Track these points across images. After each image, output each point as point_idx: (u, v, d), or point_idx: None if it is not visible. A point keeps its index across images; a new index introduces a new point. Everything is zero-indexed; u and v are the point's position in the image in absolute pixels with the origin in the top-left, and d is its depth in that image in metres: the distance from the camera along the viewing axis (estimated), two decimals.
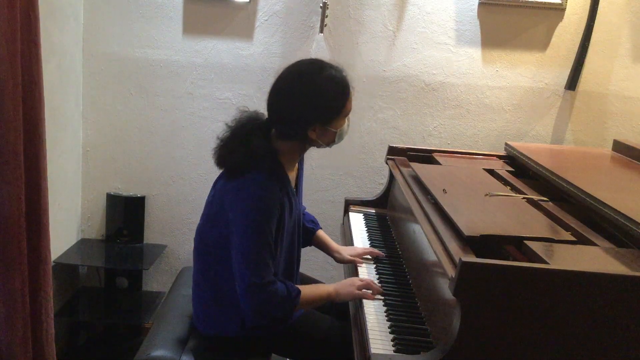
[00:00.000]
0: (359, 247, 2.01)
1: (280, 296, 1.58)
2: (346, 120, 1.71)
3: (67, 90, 2.63)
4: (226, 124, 1.70)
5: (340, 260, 1.97)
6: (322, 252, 2.06)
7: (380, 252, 1.97)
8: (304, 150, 1.76)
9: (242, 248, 1.58)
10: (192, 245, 1.80)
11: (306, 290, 1.66)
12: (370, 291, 1.67)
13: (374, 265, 1.90)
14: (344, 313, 1.84)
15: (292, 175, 1.76)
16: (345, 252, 1.97)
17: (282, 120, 1.66)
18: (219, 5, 2.71)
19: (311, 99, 1.61)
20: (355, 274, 1.86)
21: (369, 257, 1.96)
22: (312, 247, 2.08)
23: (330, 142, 1.70)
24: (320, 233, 2.04)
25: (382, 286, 1.73)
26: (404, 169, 2.19)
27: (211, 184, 1.79)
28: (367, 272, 1.86)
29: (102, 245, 2.84)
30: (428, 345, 1.40)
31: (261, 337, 1.73)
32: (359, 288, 1.68)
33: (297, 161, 1.79)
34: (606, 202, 1.54)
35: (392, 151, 2.40)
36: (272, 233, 1.60)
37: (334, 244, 2.02)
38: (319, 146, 1.72)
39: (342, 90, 1.65)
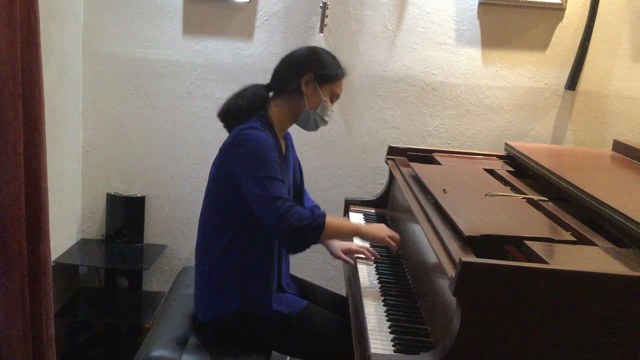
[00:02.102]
0: (354, 244, 2.00)
1: (302, 211, 1.63)
2: (332, 103, 1.83)
3: (67, 90, 2.63)
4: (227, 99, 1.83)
5: (333, 252, 1.97)
6: (321, 255, 2.07)
7: (376, 254, 1.95)
8: (293, 111, 1.80)
9: (252, 178, 1.63)
10: (192, 245, 1.82)
11: (333, 218, 1.72)
12: (395, 244, 1.82)
13: (374, 265, 1.90)
14: (344, 311, 1.85)
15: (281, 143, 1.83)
16: (339, 247, 1.97)
17: (281, 73, 1.81)
18: (219, 5, 2.71)
19: (311, 54, 1.81)
20: (355, 272, 1.86)
21: (362, 256, 1.95)
22: (310, 249, 2.07)
23: (314, 107, 1.79)
24: None
25: (382, 286, 1.74)
26: (404, 169, 2.19)
27: None
28: (367, 272, 1.86)
29: (102, 245, 2.84)
30: (428, 345, 1.40)
31: (261, 330, 1.74)
32: (389, 237, 1.81)
33: (286, 128, 1.87)
34: (606, 202, 1.55)
35: (392, 151, 2.41)
36: (278, 167, 1.66)
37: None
38: (300, 115, 1.80)
39: (340, 65, 1.82)
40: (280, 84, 1.81)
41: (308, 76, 1.76)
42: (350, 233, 1.82)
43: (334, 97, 1.83)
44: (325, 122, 1.84)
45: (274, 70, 1.84)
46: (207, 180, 1.81)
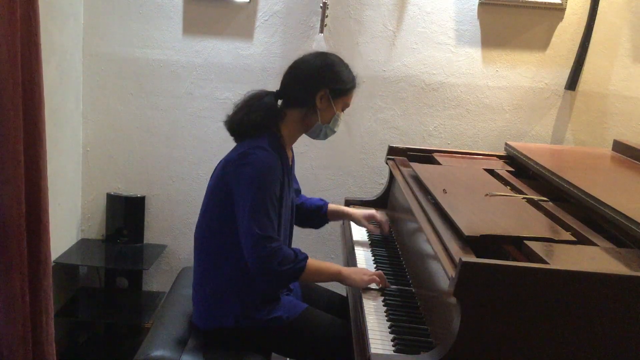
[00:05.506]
0: (377, 213, 2.14)
1: (286, 254, 1.62)
2: (342, 114, 1.81)
3: (67, 90, 2.63)
4: (234, 104, 1.79)
5: (356, 220, 2.12)
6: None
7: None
8: (304, 124, 1.79)
9: (248, 206, 1.60)
10: (192, 245, 1.81)
11: (315, 261, 1.70)
12: (378, 286, 1.71)
13: (374, 266, 1.90)
14: (344, 312, 1.85)
15: (288, 156, 1.82)
16: (362, 215, 2.12)
17: (294, 84, 1.76)
18: (219, 5, 2.71)
19: (326, 68, 1.75)
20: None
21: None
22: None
23: (325, 122, 1.78)
24: (332, 206, 2.13)
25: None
26: (404, 169, 2.19)
27: None
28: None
29: (102, 245, 2.84)
30: (428, 345, 1.40)
31: (261, 335, 1.74)
32: (370, 279, 1.71)
33: (295, 140, 1.85)
34: (606, 202, 1.54)
35: (392, 151, 2.41)
36: (277, 195, 1.65)
37: (347, 208, 2.20)
38: (311, 128, 1.79)
39: (353, 77, 1.80)
40: (292, 96, 1.77)
41: (323, 91, 1.73)
42: (329, 279, 1.74)
43: (345, 108, 1.82)
44: (334, 132, 1.84)
45: (284, 77, 1.79)
46: (206, 188, 1.79)
